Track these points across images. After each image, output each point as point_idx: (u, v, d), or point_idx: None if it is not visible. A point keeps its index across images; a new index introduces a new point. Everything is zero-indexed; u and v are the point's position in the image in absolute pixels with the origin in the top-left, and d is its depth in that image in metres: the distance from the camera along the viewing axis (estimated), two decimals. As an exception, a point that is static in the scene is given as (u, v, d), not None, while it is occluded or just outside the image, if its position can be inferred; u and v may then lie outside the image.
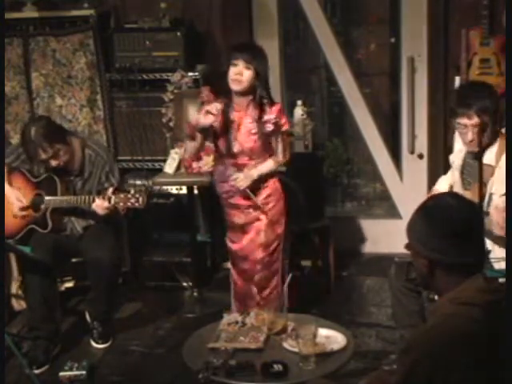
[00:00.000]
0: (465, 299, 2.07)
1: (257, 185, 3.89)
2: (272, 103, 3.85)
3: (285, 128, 3.91)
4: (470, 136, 3.46)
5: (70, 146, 4.14)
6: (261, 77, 3.79)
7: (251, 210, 3.94)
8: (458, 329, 2.02)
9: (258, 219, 3.94)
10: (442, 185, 3.83)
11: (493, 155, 3.45)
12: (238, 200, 3.94)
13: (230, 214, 4.00)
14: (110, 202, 3.96)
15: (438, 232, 2.12)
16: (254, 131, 3.83)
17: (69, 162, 4.16)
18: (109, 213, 4.02)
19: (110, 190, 4.01)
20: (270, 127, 3.83)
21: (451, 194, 2.38)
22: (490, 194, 3.42)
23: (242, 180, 3.86)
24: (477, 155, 3.41)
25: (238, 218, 3.98)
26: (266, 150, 3.89)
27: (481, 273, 2.15)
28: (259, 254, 3.97)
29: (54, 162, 4.08)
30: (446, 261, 2.12)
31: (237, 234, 4.02)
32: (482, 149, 3.34)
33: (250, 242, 3.97)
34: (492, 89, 3.56)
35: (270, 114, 3.82)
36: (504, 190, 3.24)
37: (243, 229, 3.98)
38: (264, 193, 3.93)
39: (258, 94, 3.80)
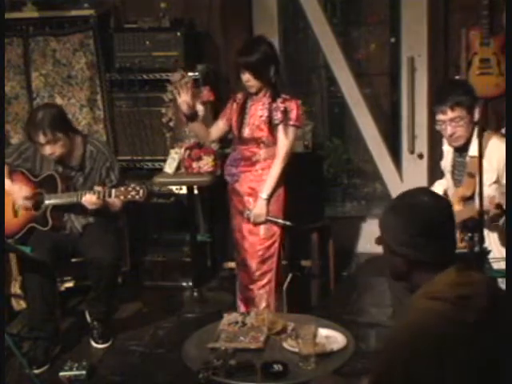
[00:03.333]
0: (435, 294, 2.09)
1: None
2: (291, 98, 3.98)
3: (292, 122, 3.96)
4: (448, 130, 3.56)
5: (71, 141, 4.14)
6: (266, 77, 3.93)
7: (251, 201, 4.03)
8: (430, 325, 2.04)
9: None
10: (437, 190, 3.84)
11: (477, 147, 3.48)
12: (241, 187, 4.06)
13: (233, 200, 4.12)
14: (98, 196, 3.97)
15: (414, 230, 2.14)
16: (263, 118, 3.95)
17: (64, 157, 4.16)
18: (98, 208, 4.03)
19: (99, 187, 4.02)
20: (277, 115, 3.93)
21: (423, 190, 2.41)
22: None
23: (257, 214, 3.97)
24: (462, 149, 3.55)
25: (240, 205, 4.08)
26: (275, 141, 3.98)
27: (454, 266, 2.17)
28: (257, 246, 4.04)
29: (49, 149, 4.06)
30: (422, 258, 2.15)
31: (239, 222, 4.11)
32: (465, 142, 3.52)
33: (249, 232, 4.06)
34: (467, 84, 3.71)
35: (281, 104, 3.93)
36: (493, 179, 3.44)
37: (244, 217, 4.06)
38: (263, 186, 4.00)
39: (269, 87, 3.97)
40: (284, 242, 4.23)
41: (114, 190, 3.99)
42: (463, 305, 2.05)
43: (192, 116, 4.06)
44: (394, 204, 2.27)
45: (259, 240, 4.04)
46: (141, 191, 3.94)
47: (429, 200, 2.20)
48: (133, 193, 3.95)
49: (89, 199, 4.00)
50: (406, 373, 2.02)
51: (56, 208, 4.15)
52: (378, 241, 2.28)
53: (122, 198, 3.99)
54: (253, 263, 4.06)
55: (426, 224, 2.14)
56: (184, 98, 3.99)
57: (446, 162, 3.80)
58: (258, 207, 3.98)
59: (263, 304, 4.04)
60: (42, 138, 4.02)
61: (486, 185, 3.39)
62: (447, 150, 3.79)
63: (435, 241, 2.15)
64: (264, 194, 3.97)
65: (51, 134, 4.01)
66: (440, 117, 3.56)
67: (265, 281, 4.06)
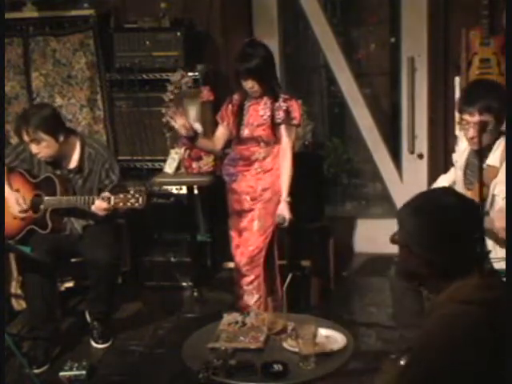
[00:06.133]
0: (462, 297, 2.02)
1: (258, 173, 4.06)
2: (291, 97, 4.04)
3: (295, 122, 4.02)
4: (470, 133, 3.46)
5: (61, 144, 4.10)
6: (268, 80, 3.97)
7: (248, 199, 4.07)
8: (468, 330, 1.98)
9: (253, 209, 4.06)
10: (441, 184, 3.81)
11: (497, 156, 3.44)
12: (239, 186, 4.09)
13: (231, 199, 4.15)
14: (109, 202, 3.95)
15: (442, 235, 2.05)
16: (264, 118, 3.99)
17: (62, 159, 4.16)
18: (108, 214, 4.02)
19: (107, 193, 4.00)
20: (280, 114, 3.97)
21: (450, 191, 2.29)
22: (493, 196, 3.40)
23: (284, 215, 4.00)
24: (479, 154, 3.41)
25: (237, 204, 4.11)
26: (275, 139, 4.02)
27: (476, 270, 2.09)
28: (248, 242, 4.07)
29: (34, 149, 4.06)
30: (447, 264, 2.06)
31: (235, 221, 4.14)
32: (481, 148, 3.32)
33: (243, 229, 4.09)
34: (500, 88, 3.50)
35: (283, 103, 3.98)
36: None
37: (240, 216, 4.10)
38: (261, 185, 4.05)
39: (270, 89, 4.00)
40: (284, 241, 4.24)
41: (112, 198, 3.94)
42: (491, 308, 2.00)
43: (193, 137, 4.05)
44: (419, 205, 2.13)
45: (251, 236, 4.07)
46: (140, 198, 3.90)
47: (458, 203, 2.09)
48: (132, 200, 3.91)
49: (99, 206, 3.98)
50: (450, 379, 1.95)
51: (55, 210, 4.14)
52: (394, 239, 2.18)
53: (121, 205, 3.95)
54: (242, 259, 4.09)
55: (455, 230, 2.04)
56: (180, 122, 3.98)
57: (460, 158, 3.70)
58: (285, 210, 4.00)
59: (253, 300, 4.06)
60: (25, 136, 4.04)
61: (499, 196, 3.37)
62: (464, 147, 3.67)
63: (463, 247, 2.06)
64: (286, 196, 4.01)
65: (34, 133, 4.00)
66: (466, 117, 3.44)
67: (252, 276, 4.08)
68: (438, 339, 2.00)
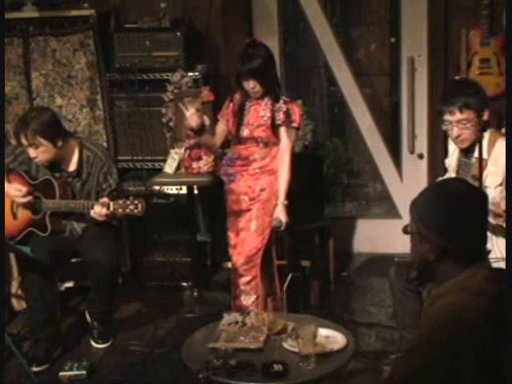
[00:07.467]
0: (475, 289, 2.03)
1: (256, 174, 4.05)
2: (292, 100, 4.05)
3: (294, 124, 4.03)
4: (455, 132, 3.50)
5: (60, 148, 4.09)
6: (270, 81, 3.98)
7: (246, 199, 4.06)
8: (477, 321, 1.98)
9: (250, 209, 4.06)
10: None
11: (484, 149, 3.46)
12: (237, 186, 4.08)
13: (229, 199, 4.14)
14: (108, 208, 3.95)
15: (452, 219, 2.09)
16: (264, 119, 3.98)
17: (60, 162, 4.16)
18: (107, 219, 4.03)
19: (105, 199, 4.01)
20: (280, 116, 3.97)
21: (461, 180, 2.35)
22: (485, 187, 3.42)
23: (281, 219, 3.99)
24: (468, 150, 3.51)
25: (235, 204, 4.10)
26: (274, 140, 4.02)
27: (483, 261, 2.14)
28: (245, 242, 4.07)
29: (32, 153, 4.05)
30: (455, 248, 2.10)
31: (232, 221, 4.13)
32: (480, 142, 3.40)
33: (241, 229, 4.09)
34: (477, 85, 3.59)
35: (283, 105, 3.98)
36: (498, 182, 3.37)
37: (238, 216, 4.09)
38: (259, 185, 4.05)
39: (271, 90, 4.00)
40: (284, 241, 4.24)
41: (112, 203, 3.94)
42: (499, 301, 2.01)
43: (201, 129, 4.03)
44: (432, 192, 2.22)
45: (249, 236, 4.06)
46: (139, 205, 3.91)
47: (468, 190, 2.17)
48: (131, 206, 3.92)
49: (98, 212, 3.98)
50: (453, 369, 1.96)
51: (54, 213, 4.13)
52: (406, 230, 2.23)
53: (120, 211, 3.95)
54: (239, 259, 4.08)
55: (465, 214, 2.10)
56: (192, 111, 3.96)
57: (451, 161, 3.75)
58: (281, 213, 3.99)
59: (250, 300, 4.06)
60: (23, 140, 4.03)
61: (491, 188, 3.39)
62: (453, 149, 3.73)
63: (471, 232, 2.11)
64: (283, 199, 4.00)
65: (32, 137, 3.99)
66: (447, 117, 3.49)
67: (249, 277, 4.07)
68: (444, 326, 2.00)
